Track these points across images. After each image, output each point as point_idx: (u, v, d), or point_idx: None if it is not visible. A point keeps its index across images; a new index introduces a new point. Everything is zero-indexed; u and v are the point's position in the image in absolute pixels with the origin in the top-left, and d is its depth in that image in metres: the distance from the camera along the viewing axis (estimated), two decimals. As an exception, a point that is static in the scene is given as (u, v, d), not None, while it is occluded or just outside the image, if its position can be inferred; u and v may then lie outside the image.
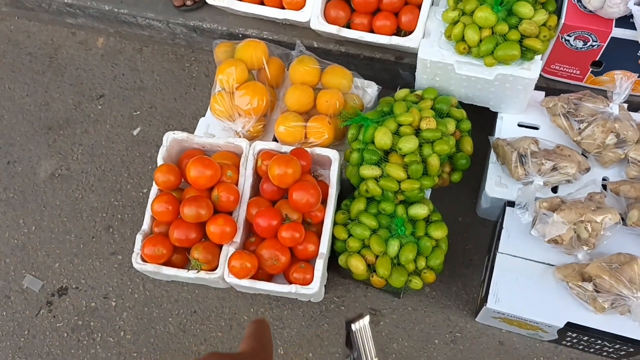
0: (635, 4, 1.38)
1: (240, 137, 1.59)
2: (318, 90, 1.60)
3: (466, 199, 1.77)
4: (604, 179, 1.55)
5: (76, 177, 1.92)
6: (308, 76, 1.58)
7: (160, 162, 1.53)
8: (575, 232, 1.41)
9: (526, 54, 1.47)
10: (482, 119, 1.66)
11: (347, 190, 1.61)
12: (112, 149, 1.95)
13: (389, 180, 1.44)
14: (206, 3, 1.80)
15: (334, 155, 1.50)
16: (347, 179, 1.55)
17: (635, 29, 1.40)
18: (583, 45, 1.51)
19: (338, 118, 1.53)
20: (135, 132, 1.97)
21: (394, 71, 1.80)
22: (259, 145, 1.52)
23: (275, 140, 1.61)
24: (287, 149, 1.51)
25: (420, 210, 1.48)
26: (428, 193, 1.58)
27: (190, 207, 1.41)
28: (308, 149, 1.51)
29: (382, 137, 1.44)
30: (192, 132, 1.66)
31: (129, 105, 2.00)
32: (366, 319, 0.88)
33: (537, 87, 1.67)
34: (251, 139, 1.61)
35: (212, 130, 1.68)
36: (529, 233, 1.45)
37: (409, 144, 1.43)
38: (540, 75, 1.67)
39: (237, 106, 1.56)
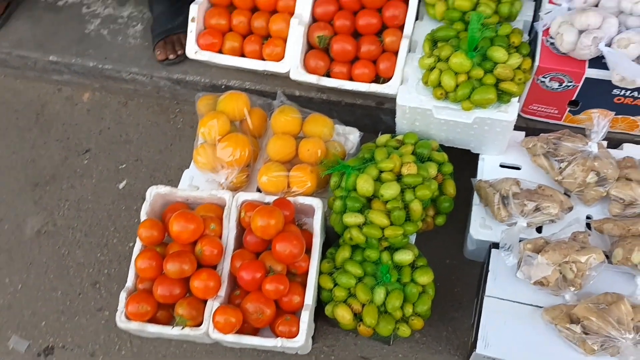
0: (605, 45, 1.41)
1: (223, 188, 1.59)
2: (300, 139, 1.62)
3: (453, 241, 1.77)
4: (587, 217, 1.55)
5: (62, 233, 1.92)
6: (289, 126, 1.60)
7: (143, 217, 1.53)
8: (560, 273, 1.40)
9: (503, 97, 1.49)
10: (465, 161, 1.67)
11: (332, 238, 1.61)
12: (98, 204, 1.95)
13: (372, 227, 1.43)
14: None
15: (317, 204, 1.50)
16: (332, 227, 1.55)
17: (607, 69, 1.42)
18: (559, 86, 1.53)
19: (320, 166, 1.54)
20: (121, 186, 1.97)
21: (375, 116, 1.82)
22: (242, 196, 1.53)
23: (259, 190, 1.61)
24: (270, 199, 1.52)
25: (405, 256, 1.48)
26: (413, 238, 1.57)
27: (174, 263, 1.40)
28: (291, 199, 1.51)
29: (364, 185, 1.45)
30: (178, 184, 1.67)
31: (115, 158, 2.01)
32: None
33: (517, 127, 1.69)
34: (235, 189, 1.61)
35: (197, 182, 1.68)
36: (515, 275, 1.44)
37: (390, 190, 1.44)
38: (519, 115, 1.70)
39: (219, 158, 1.56)
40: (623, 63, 1.37)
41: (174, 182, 1.80)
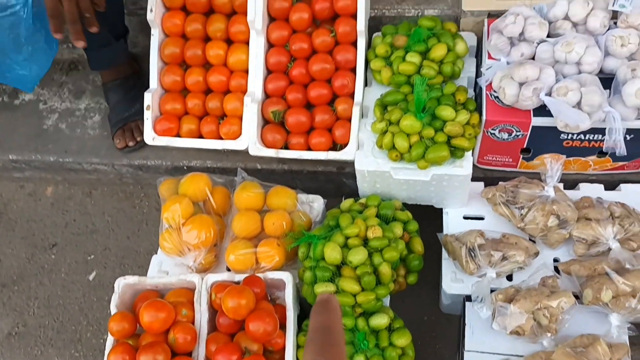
0: (546, 95, 1.47)
1: (193, 271, 1.58)
2: (265, 212, 1.63)
3: (428, 297, 1.77)
4: (555, 260, 1.57)
5: (34, 332, 1.87)
6: (252, 201, 1.61)
7: (113, 310, 1.51)
8: (534, 320, 1.40)
9: (456, 152, 1.53)
10: (430, 216, 1.70)
11: (307, 309, 1.60)
12: (69, 298, 1.92)
13: (344, 295, 1.43)
14: (148, 142, 1.85)
15: (287, 277, 1.49)
16: (305, 298, 1.54)
17: (552, 116, 1.48)
18: (509, 136, 1.58)
19: (286, 239, 1.55)
20: (91, 277, 1.94)
21: (338, 181, 1.85)
22: (211, 278, 1.52)
23: (229, 269, 1.60)
24: (239, 277, 1.51)
25: (380, 320, 1.47)
26: (387, 300, 1.57)
27: (147, 355, 1.37)
28: (261, 275, 1.51)
29: (331, 253, 1.45)
30: (148, 268, 1.66)
31: (83, 250, 2.00)
32: None
33: (476, 178, 1.73)
34: (205, 270, 1.60)
35: (165, 267, 1.67)
36: (491, 327, 1.44)
37: (358, 256, 1.45)
38: (477, 167, 1.74)
39: (185, 242, 1.56)
40: (564, 110, 1.42)
41: (144, 267, 1.79)
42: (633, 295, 1.38)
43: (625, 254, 1.45)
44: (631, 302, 1.38)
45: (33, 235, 2.05)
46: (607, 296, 1.40)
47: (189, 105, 1.77)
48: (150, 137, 1.77)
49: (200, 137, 1.78)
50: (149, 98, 1.76)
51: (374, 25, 1.80)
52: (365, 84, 1.74)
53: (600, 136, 1.51)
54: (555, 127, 1.50)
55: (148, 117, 1.76)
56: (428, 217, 1.70)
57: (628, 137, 1.51)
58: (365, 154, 1.60)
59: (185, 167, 1.89)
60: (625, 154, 1.48)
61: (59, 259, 1.98)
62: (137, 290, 1.57)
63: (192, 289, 1.53)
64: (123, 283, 1.54)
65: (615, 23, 1.54)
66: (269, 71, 1.74)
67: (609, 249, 1.48)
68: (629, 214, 1.52)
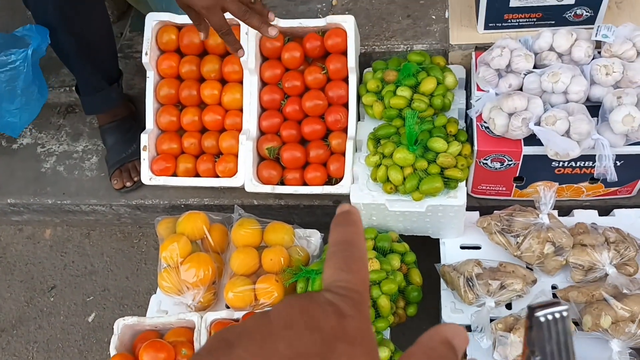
0: (535, 124, 1.49)
1: (192, 310, 1.58)
2: (262, 249, 1.63)
3: (427, 328, 1.76)
4: (553, 287, 1.58)
5: (33, 377, 1.85)
6: (250, 238, 1.62)
7: (112, 352, 1.50)
8: (536, 349, 1.40)
9: (449, 183, 1.55)
10: (428, 247, 1.71)
11: (307, 344, 1.59)
12: (68, 341, 1.90)
13: (343, 329, 1.43)
14: (145, 182, 1.87)
15: (285, 313, 1.49)
16: (305, 334, 1.54)
17: (542, 144, 1.50)
18: (501, 165, 1.60)
19: (284, 275, 1.55)
20: (90, 319, 1.94)
21: (334, 214, 1.86)
22: (211, 316, 1.51)
23: (228, 307, 1.60)
24: (239, 315, 1.51)
25: (382, 354, 1.46)
26: (387, 333, 1.56)
27: (147, 397, 1.36)
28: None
29: (330, 287, 1.45)
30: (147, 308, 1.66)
31: (82, 292, 1.99)
32: (564, 308, 0.53)
33: (472, 208, 1.74)
34: (204, 309, 1.60)
35: (165, 306, 1.67)
36: (492, 357, 1.44)
37: (356, 289, 1.45)
38: (471, 196, 1.76)
39: (184, 280, 1.57)
40: (554, 139, 1.45)
41: (144, 307, 1.78)
42: (632, 320, 1.39)
43: (622, 279, 1.46)
44: (631, 328, 1.38)
45: (32, 278, 2.05)
46: (607, 322, 1.40)
47: (185, 144, 1.80)
48: (147, 177, 1.79)
49: (197, 175, 1.80)
50: (145, 139, 1.79)
51: (364, 61, 1.84)
52: (358, 119, 1.77)
53: (590, 163, 1.54)
54: (546, 156, 1.52)
55: (145, 157, 1.79)
56: (426, 249, 1.71)
57: (618, 163, 1.53)
58: (360, 187, 1.62)
59: (182, 206, 1.90)
60: (616, 179, 1.50)
61: (57, 302, 1.98)
62: (136, 331, 1.57)
63: (192, 327, 1.53)
64: (122, 324, 1.54)
65: (599, 52, 1.58)
66: (263, 109, 1.77)
67: (606, 275, 1.49)
68: (623, 238, 1.53)
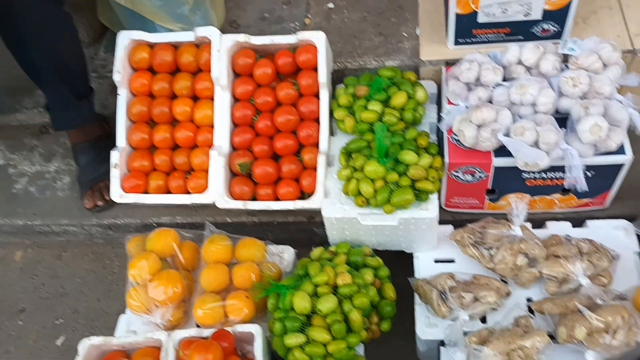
0: (504, 135, 1.50)
1: (161, 329, 1.54)
2: (233, 265, 1.61)
3: (405, 344, 1.73)
4: (528, 300, 1.56)
5: (-1, 404, 1.79)
6: (220, 254, 1.59)
7: (77, 373, 1.46)
8: (510, 362, 1.38)
9: (420, 195, 1.54)
10: (402, 262, 1.69)
11: (281, 362, 1.55)
12: (36, 365, 1.85)
13: (314, 345, 1.40)
14: (117, 201, 1.85)
15: (255, 330, 1.46)
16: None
17: (512, 155, 1.51)
18: (472, 177, 1.60)
19: (254, 291, 1.52)
20: (59, 342, 1.88)
21: (308, 230, 1.84)
22: (179, 334, 1.48)
23: (198, 325, 1.57)
24: (208, 332, 1.47)
25: (353, 370, 1.43)
26: (361, 349, 1.53)
27: (110, 419, 1.31)
28: (229, 329, 1.47)
29: (300, 302, 1.43)
30: (116, 330, 1.62)
31: (52, 314, 1.94)
32: None
33: (445, 221, 1.73)
34: (173, 328, 1.56)
35: (134, 326, 1.63)
36: (467, 371, 1.41)
37: (327, 304, 1.42)
38: (445, 210, 1.76)
39: (152, 298, 1.53)
40: (522, 149, 1.45)
41: (115, 329, 1.73)
42: (606, 330, 1.37)
43: (595, 289, 1.44)
44: (605, 338, 1.36)
45: (1, 301, 1.99)
46: (581, 333, 1.38)
47: (157, 161, 1.78)
48: (117, 194, 1.77)
49: (168, 192, 1.78)
50: (116, 156, 1.77)
51: (337, 78, 1.85)
52: (331, 134, 1.77)
53: (561, 174, 1.54)
54: (517, 167, 1.52)
55: (116, 175, 1.77)
56: (400, 263, 1.69)
57: (589, 174, 1.53)
58: (332, 202, 1.60)
59: (155, 224, 1.88)
60: (587, 189, 1.50)
61: (26, 325, 1.93)
62: (103, 352, 1.53)
63: (160, 347, 1.49)
64: (88, 344, 1.49)
65: (567, 65, 1.60)
66: (235, 125, 1.76)
67: (580, 286, 1.48)
68: (596, 249, 1.52)
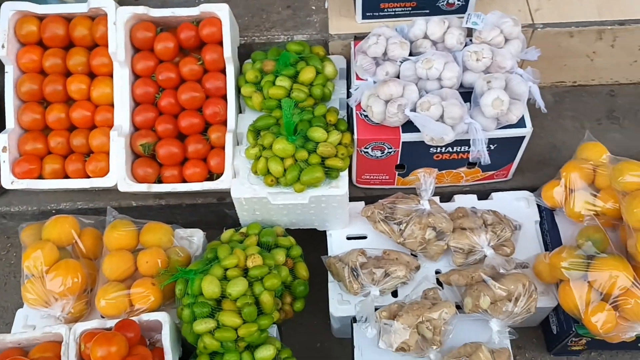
0: (410, 111, 1.50)
1: (62, 321, 1.45)
2: (139, 252, 1.53)
3: (320, 323, 1.73)
4: (437, 272, 1.59)
5: None
6: (124, 240, 1.51)
7: (-33, 375, 1.35)
8: (419, 334, 1.40)
9: (330, 173, 1.52)
10: (315, 240, 1.67)
11: (191, 349, 1.50)
12: None
13: (225, 330, 1.36)
14: (9, 187, 1.71)
15: (163, 318, 1.40)
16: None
17: (419, 131, 1.51)
18: (382, 153, 1.60)
19: (160, 277, 1.46)
20: (-50, 342, 1.74)
21: (219, 212, 1.79)
22: (80, 327, 1.39)
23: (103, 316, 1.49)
24: (112, 323, 1.40)
25: (266, 352, 1.41)
26: (274, 330, 1.51)
27: (4, 422, 1.22)
28: (135, 318, 1.40)
29: (209, 287, 1.38)
30: (13, 325, 1.51)
31: (-59, 312, 1.79)
32: None
33: (357, 198, 1.73)
34: (76, 320, 1.48)
35: (32, 321, 1.53)
36: (378, 346, 1.42)
37: (237, 287, 1.39)
38: (356, 187, 1.75)
39: (50, 290, 1.43)
40: (428, 124, 1.46)
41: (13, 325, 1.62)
42: (508, 299, 1.42)
43: (498, 259, 1.49)
44: (508, 306, 1.41)
45: None
46: (486, 303, 1.43)
47: (52, 144, 1.66)
48: (8, 180, 1.64)
49: (66, 177, 1.67)
50: (4, 139, 1.63)
51: (245, 52, 1.79)
52: (239, 111, 1.71)
53: (466, 148, 1.56)
54: (424, 142, 1.53)
55: (5, 159, 1.63)
56: (314, 241, 1.67)
57: (492, 147, 1.57)
58: (241, 182, 1.56)
59: (54, 211, 1.76)
60: (489, 162, 1.54)
61: None
62: (-3, 350, 1.42)
63: (60, 341, 1.40)
64: (-21, 343, 1.38)
65: (471, 40, 1.61)
66: (136, 103, 1.67)
67: (485, 256, 1.52)
68: (500, 220, 1.57)
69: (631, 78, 1.90)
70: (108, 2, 1.62)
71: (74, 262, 1.48)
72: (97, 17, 1.66)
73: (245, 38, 1.79)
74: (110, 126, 1.63)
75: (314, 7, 1.85)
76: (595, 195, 1.49)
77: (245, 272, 1.43)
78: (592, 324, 1.36)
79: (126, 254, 1.50)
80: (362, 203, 1.68)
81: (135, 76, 1.67)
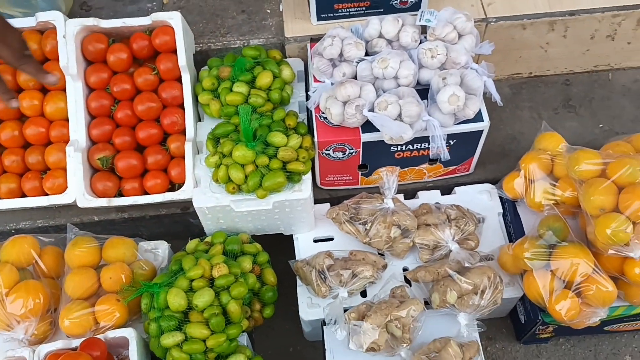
0: (369, 111, 1.50)
1: (25, 344, 1.42)
2: (102, 268, 1.51)
3: (292, 327, 1.73)
4: (405, 269, 1.60)
5: None
6: (86, 257, 1.49)
7: None
8: (389, 333, 1.41)
9: (292, 177, 1.51)
10: (284, 244, 1.66)
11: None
12: None
13: (193, 342, 1.35)
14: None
15: (129, 333, 1.38)
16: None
17: (379, 130, 1.52)
18: (343, 155, 1.60)
19: (124, 293, 1.44)
20: None
21: (184, 222, 1.77)
22: (44, 348, 1.37)
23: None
24: (77, 342, 1.37)
25: (236, 361, 1.40)
26: (244, 338, 1.50)
27: None
28: (101, 336, 1.38)
29: (175, 299, 1.37)
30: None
31: None
32: None
33: (322, 200, 1.73)
34: (40, 342, 1.44)
35: (-4, 345, 1.49)
36: (349, 347, 1.42)
37: (203, 298, 1.37)
38: (321, 189, 1.75)
39: (11, 313, 1.40)
40: (387, 124, 1.46)
41: (-24, 350, 1.58)
42: (475, 292, 1.43)
43: (463, 253, 1.50)
44: (474, 299, 1.43)
45: None
46: (452, 297, 1.44)
47: (6, 162, 1.62)
48: (-39, 202, 1.59)
49: (24, 196, 1.63)
50: (-45, 160, 1.59)
51: (201, 59, 1.77)
52: (199, 119, 1.69)
53: (426, 144, 1.57)
54: (383, 141, 1.54)
55: (-42, 181, 1.59)
56: (281, 246, 1.66)
57: (452, 142, 1.58)
58: (203, 191, 1.54)
59: (13, 231, 1.71)
60: (449, 158, 1.55)
61: None
62: (-42, 379, 1.38)
63: (25, 365, 1.37)
64: (-61, 373, 1.34)
65: (425, 37, 1.62)
66: (91, 117, 1.64)
67: (450, 251, 1.54)
68: (463, 214, 1.59)
69: (585, 67, 1.93)
70: (56, 15, 1.59)
71: (34, 283, 1.45)
72: (46, 31, 1.63)
73: (201, 45, 1.77)
74: (66, 141, 1.60)
75: (269, 11, 1.84)
76: (554, 185, 1.51)
77: (211, 282, 1.42)
78: (556, 312, 1.38)
79: (89, 271, 1.48)
80: (328, 205, 1.68)
81: (89, 89, 1.63)
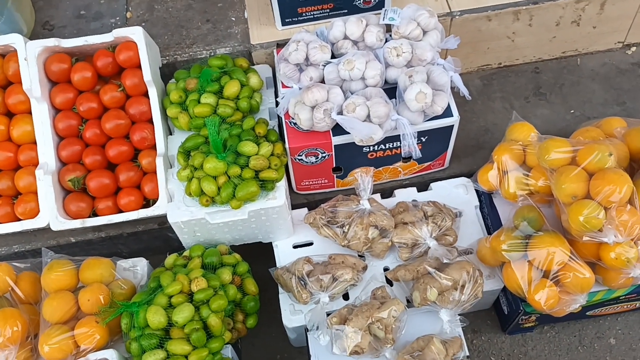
0: (337, 114, 1.50)
1: (7, 373, 1.41)
2: (79, 290, 1.49)
3: (278, 334, 1.72)
4: (386, 269, 1.60)
5: None
6: (63, 281, 1.47)
7: None
8: (372, 335, 1.40)
9: (266, 185, 1.51)
10: (264, 251, 1.66)
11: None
12: None
13: (175, 359, 1.34)
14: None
15: (110, 355, 1.37)
16: (139, 372, 1.42)
17: (349, 133, 1.51)
18: (316, 159, 1.59)
19: (103, 314, 1.42)
20: None
21: (163, 237, 1.76)
22: (25, 377, 1.35)
23: (50, 360, 1.44)
24: (59, 368, 1.36)
25: (221, 375, 1.40)
26: (228, 351, 1.49)
27: None
28: (82, 359, 1.37)
29: (154, 317, 1.36)
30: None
31: None
32: None
33: (300, 205, 1.73)
34: (22, 370, 1.43)
35: (-23, 376, 1.47)
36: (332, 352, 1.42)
37: (183, 313, 1.36)
38: (297, 194, 1.74)
39: (-11, 342, 1.38)
40: (356, 126, 1.46)
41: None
42: (455, 288, 1.43)
43: (441, 250, 1.50)
44: (454, 295, 1.43)
45: None
46: (433, 295, 1.44)
47: (-24, 190, 1.60)
48: None
49: (-4, 222, 1.61)
50: None
51: (169, 72, 1.76)
52: (170, 133, 1.68)
53: (397, 143, 1.57)
54: (354, 143, 1.53)
55: None
56: (262, 254, 1.66)
57: (424, 139, 1.58)
58: (177, 206, 1.53)
59: (-11, 258, 1.70)
60: (421, 155, 1.55)
61: None
62: (-60, 413, 1.36)
63: (7, 394, 1.36)
64: None
65: (391, 35, 1.62)
66: (60, 138, 1.62)
67: (429, 248, 1.53)
68: (439, 210, 1.58)
69: (552, 53, 1.94)
70: (16, 37, 1.57)
71: (11, 311, 1.43)
72: (7, 54, 1.61)
73: (168, 57, 1.76)
74: (36, 165, 1.58)
75: (233, 19, 1.82)
76: (527, 175, 1.52)
77: (190, 296, 1.41)
78: (535, 301, 1.39)
79: (66, 294, 1.46)
80: (305, 210, 1.67)
81: (56, 110, 1.62)
